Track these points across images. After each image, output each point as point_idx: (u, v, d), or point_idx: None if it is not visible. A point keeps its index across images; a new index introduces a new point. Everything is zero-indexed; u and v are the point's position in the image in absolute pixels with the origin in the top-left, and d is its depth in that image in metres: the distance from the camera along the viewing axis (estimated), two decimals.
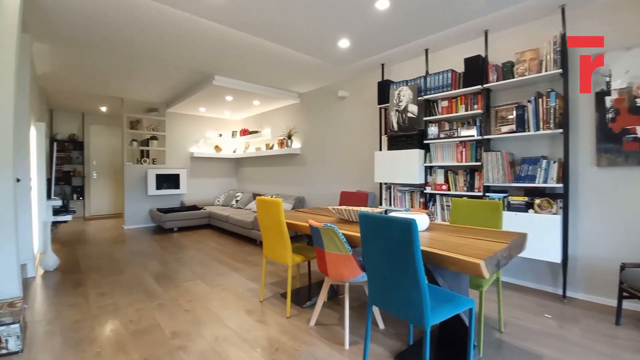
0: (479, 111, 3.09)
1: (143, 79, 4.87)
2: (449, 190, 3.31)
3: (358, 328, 2.19)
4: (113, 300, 2.67)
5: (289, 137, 5.62)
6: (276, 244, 2.48)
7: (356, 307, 2.54)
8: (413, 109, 3.51)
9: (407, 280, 1.46)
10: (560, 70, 2.63)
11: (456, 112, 3.28)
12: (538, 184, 2.72)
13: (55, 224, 5.47)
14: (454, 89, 3.27)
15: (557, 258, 2.62)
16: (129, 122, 6.30)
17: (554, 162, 2.68)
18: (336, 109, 4.92)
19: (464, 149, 3.21)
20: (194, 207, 6.26)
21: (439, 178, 3.39)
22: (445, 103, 3.38)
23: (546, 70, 2.70)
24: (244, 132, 6.95)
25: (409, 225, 1.37)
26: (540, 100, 2.73)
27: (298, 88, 5.33)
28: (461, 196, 3.19)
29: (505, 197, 2.90)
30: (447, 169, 3.37)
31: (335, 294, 2.80)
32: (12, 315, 1.98)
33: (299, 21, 2.96)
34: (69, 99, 6.19)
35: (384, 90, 3.89)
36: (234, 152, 7.37)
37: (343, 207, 2.43)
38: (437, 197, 3.41)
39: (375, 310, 2.25)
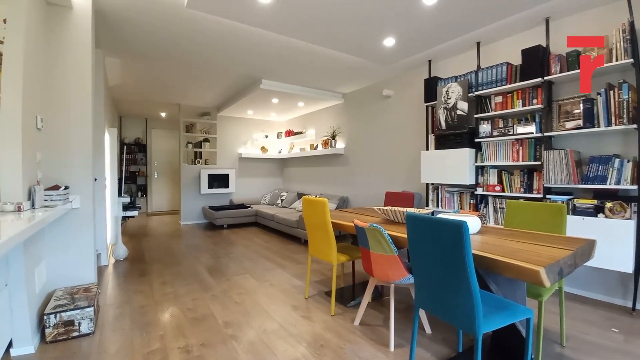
0: (539, 106, 2.86)
1: (198, 85, 5.23)
2: (503, 191, 3.10)
3: (403, 331, 2.16)
4: (173, 289, 2.92)
5: (333, 137, 5.67)
6: (321, 243, 2.53)
7: (401, 309, 2.49)
8: (463, 106, 3.35)
9: (457, 284, 1.41)
10: (631, 60, 2.35)
11: (512, 108, 3.07)
12: (609, 185, 2.45)
13: (124, 218, 6.10)
14: (510, 83, 3.06)
15: (629, 268, 2.34)
16: (184, 126, 6.80)
17: (628, 162, 2.39)
18: (380, 109, 4.86)
19: (520, 148, 3.00)
20: (242, 206, 6.58)
21: (492, 178, 3.19)
22: (499, 98, 3.18)
23: (616, 60, 2.42)
24: (289, 133, 7.14)
25: (460, 227, 1.33)
26: (611, 92, 2.45)
27: (342, 88, 5.36)
28: (517, 198, 2.98)
29: (569, 199, 2.65)
30: (501, 169, 3.17)
31: (379, 294, 2.77)
32: (87, 300, 2.25)
33: (344, 23, 2.98)
34: (134, 106, 6.86)
35: (431, 87, 3.76)
36: (279, 152, 7.61)
37: (389, 208, 2.40)
38: (490, 199, 3.21)
39: (422, 313, 2.20)
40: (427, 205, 3.75)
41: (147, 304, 2.61)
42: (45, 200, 2.14)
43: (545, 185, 2.78)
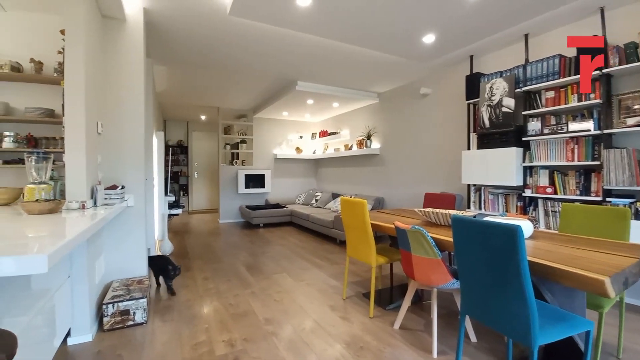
0: (597, 101, 2.63)
1: (236, 89, 5.42)
2: (555, 193, 2.89)
3: (445, 337, 2.08)
4: (215, 285, 3.05)
5: (368, 137, 5.61)
6: (360, 244, 2.51)
7: (443, 314, 2.41)
8: (509, 102, 3.17)
9: (510, 292, 1.33)
10: None
11: (565, 104, 2.85)
12: None
13: (169, 216, 6.48)
14: (563, 77, 2.84)
15: None
16: (223, 128, 7.08)
17: None
18: (418, 107, 4.73)
19: (576, 146, 2.77)
20: (277, 205, 6.72)
21: (543, 180, 2.99)
22: (550, 94, 2.97)
23: None
24: (323, 134, 7.18)
25: (513, 232, 1.25)
26: None
27: (377, 88, 5.28)
28: (572, 201, 2.76)
29: (632, 203, 2.41)
30: (553, 169, 2.95)
31: (419, 298, 2.70)
32: (141, 291, 2.41)
33: (382, 21, 2.94)
34: (177, 110, 7.26)
35: (473, 84, 3.59)
36: (314, 153, 7.67)
37: (430, 210, 2.33)
38: (540, 201, 3.00)
39: (467, 321, 2.11)
40: (469, 207, 3.59)
41: (192, 298, 2.74)
42: (105, 198, 2.32)
43: (604, 187, 2.55)
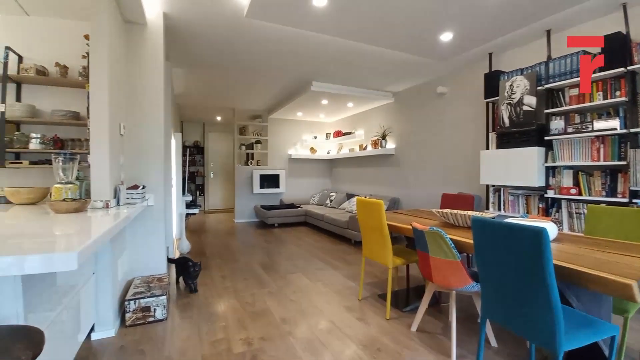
0: (623, 99, 2.53)
1: (251, 90, 5.48)
2: (579, 194, 2.79)
3: (464, 341, 2.04)
4: (232, 284, 3.09)
5: (383, 137, 5.56)
6: (376, 245, 2.49)
7: (461, 318, 2.36)
8: (530, 100, 3.08)
9: (535, 296, 1.29)
10: None
11: (590, 102, 2.75)
12: None
13: (187, 215, 6.62)
14: None
15: None
16: (238, 128, 7.17)
17: None
18: (434, 107, 4.66)
19: (601, 145, 2.67)
20: (292, 205, 6.75)
21: (566, 180, 2.89)
22: (574, 91, 2.87)
23: None
24: (338, 134, 7.17)
25: (539, 234, 1.22)
26: None
27: (392, 87, 5.23)
28: (597, 202, 2.66)
29: None
30: (577, 170, 2.85)
31: (436, 301, 2.66)
32: (161, 289, 2.47)
33: (399, 20, 2.91)
34: (194, 112, 7.39)
35: (492, 82, 3.51)
36: (328, 153, 7.67)
37: (448, 210, 2.29)
38: (563, 203, 2.91)
39: (487, 325, 2.06)
40: (488, 209, 3.51)
41: (210, 296, 2.79)
42: (127, 198, 2.39)
43: (631, 189, 2.45)
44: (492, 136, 3.52)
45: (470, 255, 2.80)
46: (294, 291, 2.91)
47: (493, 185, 3.49)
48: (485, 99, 3.59)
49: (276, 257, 4.08)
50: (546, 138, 3.01)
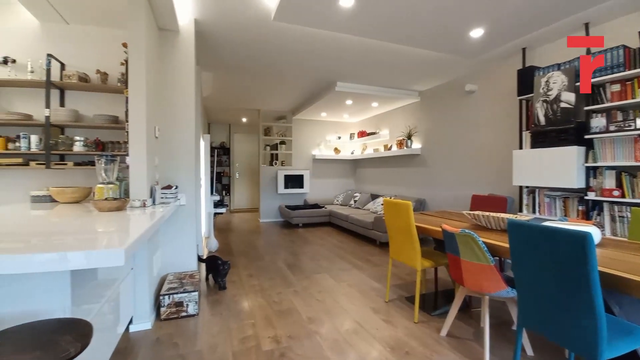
0: None
1: (276, 91, 5.56)
2: (623, 196, 2.62)
3: (497, 348, 1.97)
4: (259, 282, 3.15)
5: (409, 137, 5.47)
6: (404, 247, 2.46)
7: (493, 324, 2.28)
8: (568, 97, 2.92)
9: (576, 304, 1.23)
10: None
11: (633, 98, 2.57)
12: None
13: (214, 214, 6.83)
14: (628, 69, 2.56)
15: None
16: (263, 129, 7.29)
17: None
18: (462, 105, 4.52)
19: None
20: (316, 206, 6.79)
21: (608, 182, 2.72)
22: (616, 87, 2.69)
23: None
24: (362, 134, 7.12)
25: (583, 239, 1.16)
26: None
27: (419, 86, 5.13)
28: None
29: None
30: (620, 170, 2.68)
31: (467, 305, 2.58)
32: (193, 285, 2.56)
33: (427, 18, 2.85)
34: (220, 114, 7.60)
35: (526, 78, 3.36)
36: (352, 153, 7.64)
37: (480, 213, 2.22)
38: (605, 206, 2.74)
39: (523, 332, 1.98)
40: (521, 211, 3.36)
41: (238, 294, 2.86)
42: (161, 197, 2.50)
43: None
44: (526, 135, 3.37)
45: (503, 259, 2.70)
46: (319, 291, 2.92)
47: (527, 187, 3.34)
48: (519, 96, 3.44)
49: (301, 257, 4.11)
50: (586, 137, 2.84)
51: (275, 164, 7.28)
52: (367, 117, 7.17)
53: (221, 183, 9.02)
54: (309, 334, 2.15)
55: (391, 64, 4.07)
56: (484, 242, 1.78)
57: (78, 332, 1.00)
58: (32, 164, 2.70)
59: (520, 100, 3.48)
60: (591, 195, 2.80)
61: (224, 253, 4.29)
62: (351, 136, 7.64)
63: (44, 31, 2.89)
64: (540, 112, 3.14)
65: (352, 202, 6.72)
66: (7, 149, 2.70)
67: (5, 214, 1.92)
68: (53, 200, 2.46)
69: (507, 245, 1.67)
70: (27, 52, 2.79)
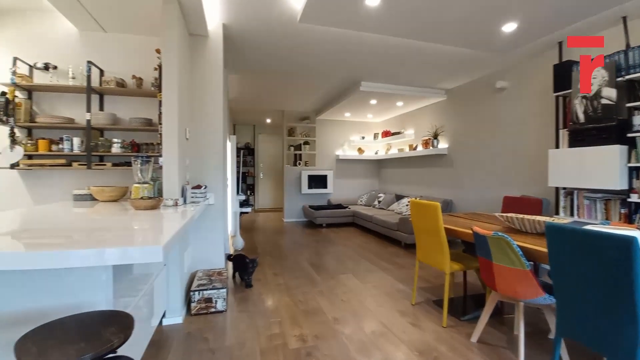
0: None
1: (300, 92, 5.61)
2: None
3: (531, 357, 1.88)
4: (284, 281, 3.19)
5: (435, 136, 5.34)
6: (432, 249, 2.41)
7: (527, 331, 2.18)
8: (610, 93, 2.74)
9: (619, 311, 1.16)
10: None
11: None
12: None
13: (240, 213, 6.99)
14: None
15: None
16: (287, 130, 7.38)
17: None
18: (492, 103, 4.36)
19: None
20: (339, 206, 6.78)
21: None
22: None
23: None
24: (386, 134, 7.04)
25: (628, 244, 1.09)
26: None
27: (445, 84, 5.00)
28: None
29: None
30: None
31: (498, 311, 2.49)
32: (221, 282, 2.63)
33: (456, 14, 2.77)
34: (246, 115, 7.77)
35: (563, 74, 3.19)
36: (376, 153, 7.56)
37: (514, 215, 2.13)
38: None
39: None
40: (557, 214, 3.19)
41: (264, 292, 2.91)
42: (192, 197, 2.59)
43: None
44: (564, 133, 3.19)
45: (539, 264, 2.57)
46: (344, 292, 2.92)
47: (564, 188, 3.17)
48: (555, 92, 3.27)
49: (325, 257, 4.12)
50: (629, 135, 2.66)
51: (299, 164, 7.34)
52: (392, 116, 7.07)
53: (246, 183, 9.21)
54: (335, 335, 2.15)
55: (417, 62, 3.99)
56: (519, 246, 1.70)
57: (120, 324, 1.05)
58: (75, 164, 2.88)
59: (557, 97, 3.31)
60: (634, 197, 2.62)
61: (249, 251, 4.38)
62: (375, 136, 7.57)
63: (83, 39, 3.06)
64: (579, 109, 2.97)
65: (376, 202, 6.65)
66: (51, 150, 2.89)
67: (55, 211, 2.06)
68: (93, 199, 2.61)
69: (543, 250, 1.60)
70: (68, 59, 2.96)
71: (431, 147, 5.40)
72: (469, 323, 2.28)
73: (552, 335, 1.95)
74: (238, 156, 7.46)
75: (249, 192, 9.20)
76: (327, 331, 2.19)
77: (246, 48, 3.60)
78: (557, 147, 3.25)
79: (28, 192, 2.99)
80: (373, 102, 5.66)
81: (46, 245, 1.21)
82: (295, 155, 7.49)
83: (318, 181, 7.18)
